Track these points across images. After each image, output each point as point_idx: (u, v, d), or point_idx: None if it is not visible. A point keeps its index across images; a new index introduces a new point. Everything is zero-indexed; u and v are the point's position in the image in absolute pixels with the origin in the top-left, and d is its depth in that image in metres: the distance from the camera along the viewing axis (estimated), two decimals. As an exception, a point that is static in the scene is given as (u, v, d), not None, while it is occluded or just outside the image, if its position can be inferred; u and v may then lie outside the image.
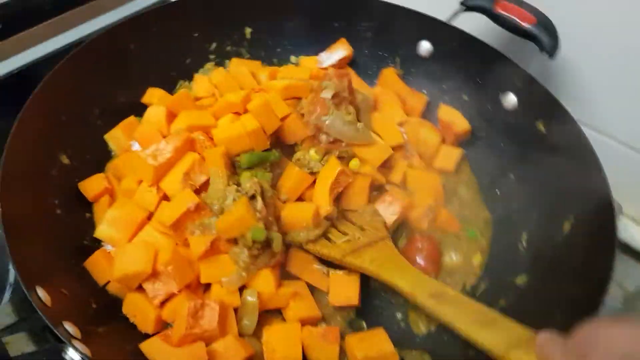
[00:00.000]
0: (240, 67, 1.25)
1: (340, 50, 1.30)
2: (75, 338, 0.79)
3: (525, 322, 0.93)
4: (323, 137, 1.12)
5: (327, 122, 1.10)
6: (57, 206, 0.99)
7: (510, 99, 1.16)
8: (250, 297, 0.95)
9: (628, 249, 1.34)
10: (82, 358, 0.76)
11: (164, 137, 1.06)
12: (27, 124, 0.95)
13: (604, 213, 0.93)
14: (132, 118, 1.14)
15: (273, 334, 0.94)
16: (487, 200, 1.19)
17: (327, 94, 1.11)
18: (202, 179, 1.01)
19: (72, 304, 0.87)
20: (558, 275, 0.97)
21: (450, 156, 1.21)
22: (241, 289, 0.96)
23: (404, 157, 1.19)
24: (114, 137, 1.13)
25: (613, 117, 1.24)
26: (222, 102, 1.12)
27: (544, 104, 1.10)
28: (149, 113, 1.13)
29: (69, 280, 0.91)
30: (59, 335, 0.76)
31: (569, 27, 1.13)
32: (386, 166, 1.16)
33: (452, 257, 1.11)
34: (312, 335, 0.94)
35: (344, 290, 1.00)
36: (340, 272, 1.02)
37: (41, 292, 0.80)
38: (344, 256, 0.99)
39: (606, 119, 1.25)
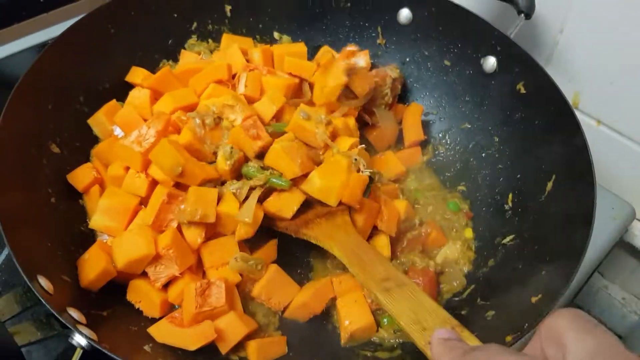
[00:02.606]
0: (232, 45, 1.22)
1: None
2: (81, 323, 0.80)
3: (514, 279, 0.96)
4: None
5: None
6: (51, 195, 0.99)
7: (490, 62, 1.18)
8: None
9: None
10: (88, 342, 0.77)
11: (145, 120, 1.05)
12: (14, 115, 0.94)
13: (583, 166, 0.98)
14: (113, 102, 1.13)
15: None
16: (474, 165, 1.22)
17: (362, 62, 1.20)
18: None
19: (74, 290, 0.89)
20: (543, 232, 1.01)
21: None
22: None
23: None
24: (97, 122, 1.12)
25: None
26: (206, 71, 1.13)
27: (522, 65, 1.12)
28: (132, 95, 1.12)
29: (70, 267, 0.91)
30: (64, 321, 0.77)
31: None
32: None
33: (447, 251, 1.11)
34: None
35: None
36: None
37: (43, 281, 0.81)
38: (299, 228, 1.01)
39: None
